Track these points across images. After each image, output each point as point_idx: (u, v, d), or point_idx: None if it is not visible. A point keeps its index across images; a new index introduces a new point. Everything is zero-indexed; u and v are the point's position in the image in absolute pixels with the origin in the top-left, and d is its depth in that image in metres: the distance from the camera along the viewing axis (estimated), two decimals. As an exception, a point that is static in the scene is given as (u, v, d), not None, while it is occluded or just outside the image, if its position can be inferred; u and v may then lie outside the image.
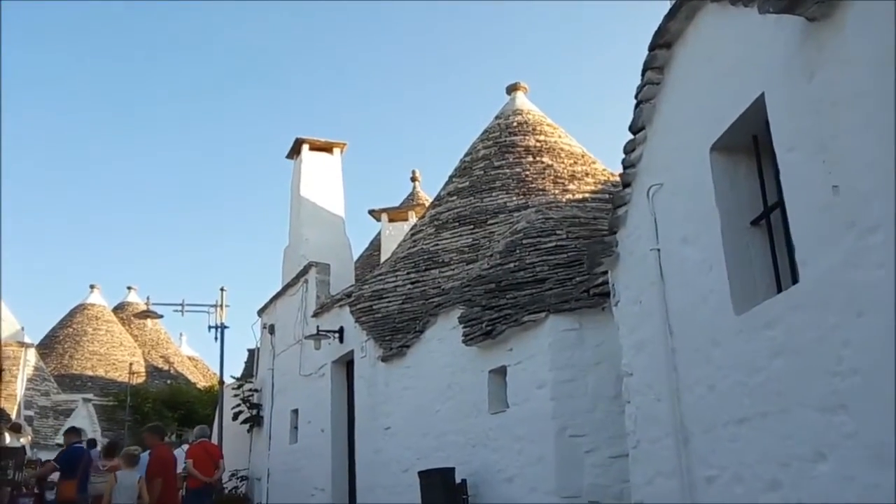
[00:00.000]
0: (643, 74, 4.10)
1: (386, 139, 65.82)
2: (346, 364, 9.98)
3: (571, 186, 10.09)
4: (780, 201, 3.12)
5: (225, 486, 12.68)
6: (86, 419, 22.14)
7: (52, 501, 11.01)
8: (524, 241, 7.93)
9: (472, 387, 6.87)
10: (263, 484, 11.67)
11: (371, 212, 17.43)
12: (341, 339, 9.83)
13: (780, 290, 3.23)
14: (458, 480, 6.48)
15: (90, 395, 23.63)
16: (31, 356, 22.21)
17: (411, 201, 18.23)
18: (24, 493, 10.31)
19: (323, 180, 13.14)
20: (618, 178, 10.58)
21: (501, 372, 6.50)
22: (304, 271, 11.41)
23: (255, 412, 12.65)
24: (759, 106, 3.14)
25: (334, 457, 9.67)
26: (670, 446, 3.91)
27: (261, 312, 13.28)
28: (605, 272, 5.63)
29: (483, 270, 7.93)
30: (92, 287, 28.83)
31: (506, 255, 7.89)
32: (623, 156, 4.37)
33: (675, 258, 3.94)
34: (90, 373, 25.67)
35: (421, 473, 6.62)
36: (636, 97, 4.20)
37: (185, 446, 11.94)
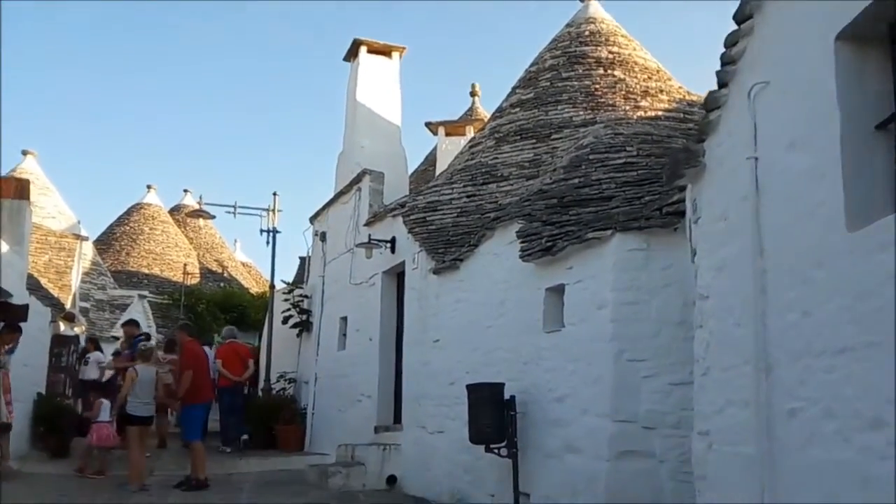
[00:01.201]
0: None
1: (446, 50, 64.19)
2: (397, 275, 9.82)
3: (644, 103, 9.52)
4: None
5: (273, 387, 12.91)
6: (140, 315, 22.71)
7: None
8: (591, 157, 7.51)
9: (526, 304, 6.61)
10: (310, 387, 11.81)
11: (428, 124, 17.00)
12: (393, 250, 9.64)
13: (902, 206, 2.83)
14: (506, 396, 6.31)
15: (145, 293, 24.25)
16: (88, 250, 22.73)
17: (469, 116, 17.73)
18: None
19: (380, 86, 12.74)
20: (695, 98, 10.02)
21: (559, 290, 6.22)
22: (358, 179, 11.17)
23: (304, 317, 12.71)
24: (898, -9, 2.67)
25: (381, 366, 9.64)
26: (748, 374, 3.60)
27: (313, 219, 13.18)
28: (682, 189, 5.23)
29: (545, 185, 7.56)
30: (149, 187, 29.17)
31: (570, 171, 7.49)
32: (722, 50, 3.90)
33: (776, 168, 3.52)
34: (146, 271, 26.24)
35: (469, 387, 6.46)
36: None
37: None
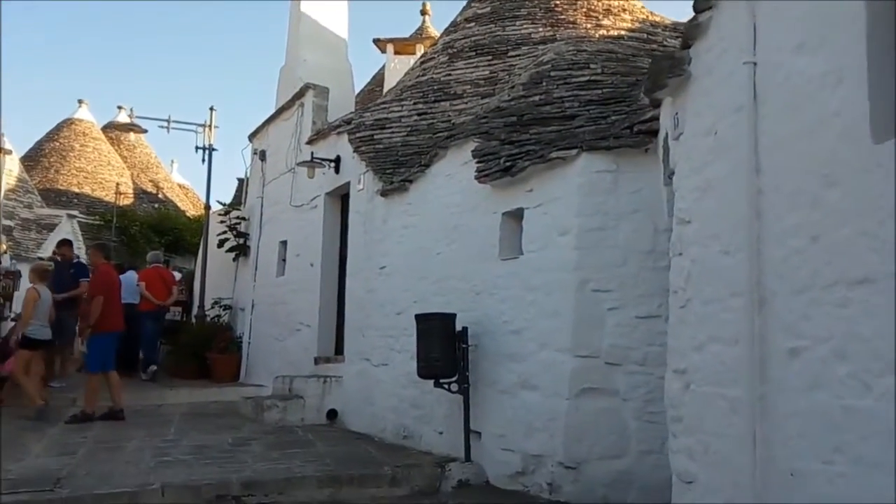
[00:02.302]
0: None
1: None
2: (341, 197, 9.20)
3: (606, 22, 8.94)
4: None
5: (207, 313, 12.29)
6: (70, 235, 21.53)
7: None
8: (552, 74, 6.95)
9: (481, 229, 6.12)
10: (247, 315, 11.22)
11: (376, 41, 16.08)
12: (337, 170, 8.99)
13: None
14: (458, 328, 5.88)
15: (75, 212, 23.00)
16: (14, 166, 21.35)
17: (420, 36, 16.85)
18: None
19: (326, -3, 11.79)
20: (657, 19, 9.47)
21: (517, 215, 5.74)
22: (301, 94, 10.37)
23: (241, 241, 12.01)
24: None
25: (323, 293, 9.10)
26: (738, 308, 3.19)
27: (252, 137, 12.33)
28: (656, 106, 4.74)
29: (503, 102, 6.99)
30: (80, 102, 27.41)
31: (530, 88, 6.93)
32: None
33: (779, 74, 3.04)
34: (76, 189, 24.86)
35: (418, 317, 6.00)
36: None
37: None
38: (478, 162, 6.12)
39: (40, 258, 16.59)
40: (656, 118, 4.78)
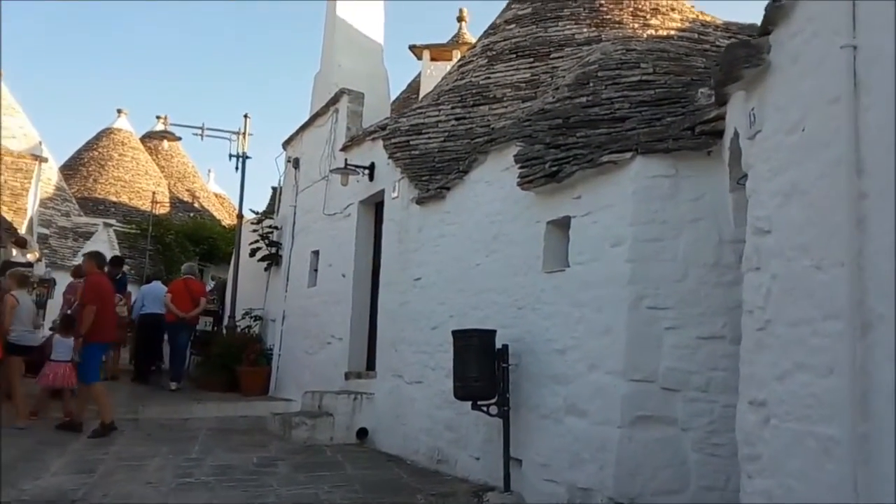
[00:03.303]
0: None
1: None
2: (375, 205, 8.84)
3: (654, 21, 8.47)
4: None
5: (238, 324, 12.02)
6: (105, 244, 21.59)
7: None
8: (599, 74, 6.51)
9: (524, 239, 5.69)
10: (277, 326, 10.91)
11: (412, 48, 15.79)
12: (371, 177, 8.63)
13: None
14: (498, 346, 5.44)
15: (112, 221, 23.07)
16: (53, 175, 21.51)
17: (457, 42, 16.52)
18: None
19: (362, 1, 11.50)
20: (708, 19, 8.96)
21: (564, 224, 5.29)
22: (335, 99, 10.06)
23: (273, 250, 11.73)
24: None
25: (354, 305, 8.73)
26: (834, 333, 2.72)
27: (286, 145, 12.06)
28: (722, 103, 4.28)
29: (547, 104, 6.56)
30: (119, 112, 27.68)
31: (576, 89, 6.49)
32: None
33: (884, 58, 2.57)
34: (113, 198, 25.00)
35: (456, 333, 5.58)
36: None
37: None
38: (520, 167, 5.69)
39: (77, 266, 16.59)
40: (721, 117, 4.32)
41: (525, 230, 5.68)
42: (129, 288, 13.46)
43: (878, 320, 2.55)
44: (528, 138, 5.93)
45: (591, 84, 6.35)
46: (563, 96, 6.44)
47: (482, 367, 5.35)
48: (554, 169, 5.24)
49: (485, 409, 5.41)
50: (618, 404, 4.48)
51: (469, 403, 5.50)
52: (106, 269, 9.81)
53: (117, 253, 21.72)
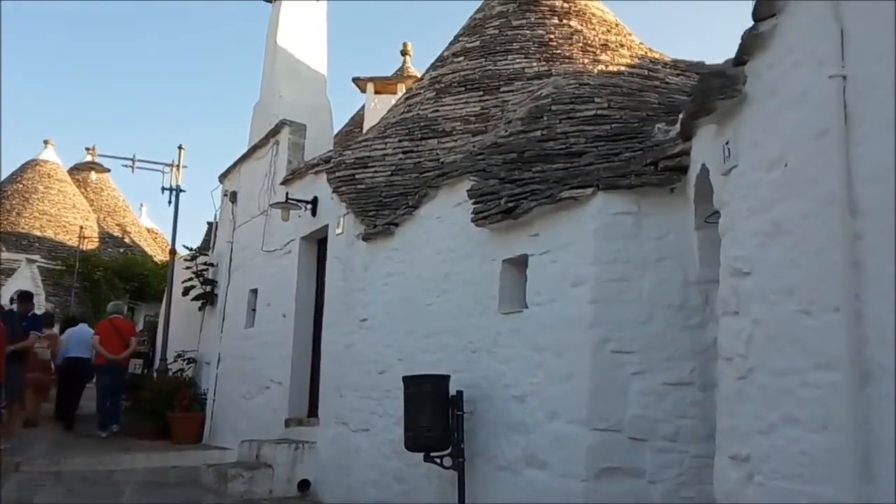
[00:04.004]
0: None
1: (374, 4, 61.68)
2: (318, 241, 8.45)
3: (604, 57, 8.43)
4: None
5: (169, 367, 11.36)
6: (29, 280, 20.58)
7: None
8: (553, 108, 6.35)
9: (478, 279, 5.41)
10: (212, 369, 10.31)
11: (356, 80, 15.57)
12: (314, 212, 8.26)
13: None
14: (452, 392, 5.11)
15: (36, 257, 21.97)
16: (-25, 209, 20.45)
17: (401, 75, 16.38)
18: None
19: (304, 30, 11.24)
20: (657, 56, 8.99)
21: (520, 262, 5.04)
22: (276, 131, 9.69)
23: (208, 289, 11.16)
24: None
25: (296, 347, 8.28)
26: (824, 384, 2.51)
27: (222, 178, 11.58)
28: (687, 138, 4.12)
29: (500, 138, 6.35)
30: (46, 143, 26.58)
31: (530, 123, 6.31)
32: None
33: (879, 88, 2.40)
34: (38, 233, 23.83)
35: (407, 379, 5.23)
36: None
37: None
38: (474, 203, 5.43)
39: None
40: (686, 152, 4.15)
41: (479, 269, 5.41)
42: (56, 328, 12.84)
43: (880, 371, 2.34)
44: (481, 172, 5.70)
45: (545, 118, 6.18)
46: (517, 130, 6.25)
47: (435, 416, 5.02)
48: (510, 205, 5.00)
49: (438, 460, 5.06)
50: (582, 455, 4.20)
51: (421, 454, 5.14)
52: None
53: (40, 290, 20.78)
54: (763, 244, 2.97)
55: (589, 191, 4.48)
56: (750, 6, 3.03)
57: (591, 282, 4.37)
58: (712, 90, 3.17)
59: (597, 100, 6.28)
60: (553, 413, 4.47)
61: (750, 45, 3.06)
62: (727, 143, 3.29)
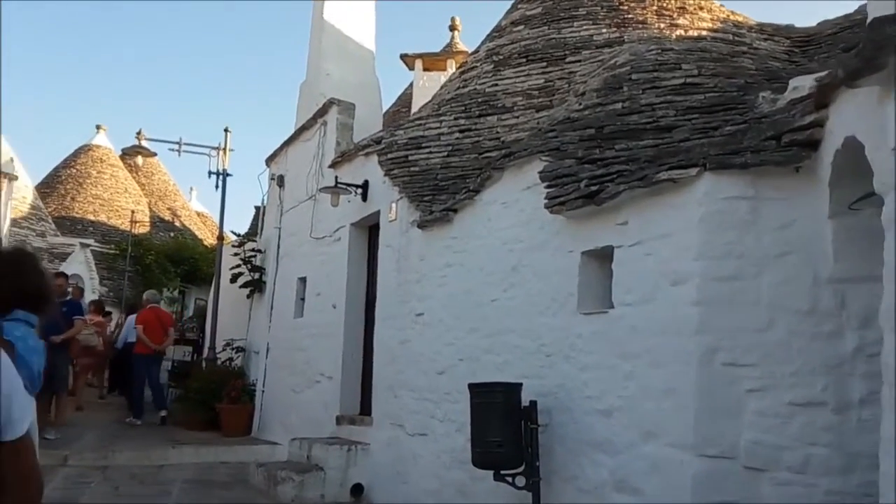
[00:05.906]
0: None
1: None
2: (369, 228, 7.89)
3: (682, 21, 7.62)
4: None
5: (218, 356, 11.01)
6: (82, 265, 20.59)
7: None
8: (633, 77, 5.62)
9: (552, 272, 4.75)
10: (261, 359, 9.89)
11: (403, 57, 14.91)
12: (364, 197, 7.68)
13: None
14: (524, 401, 4.49)
15: (89, 241, 21.98)
16: (29, 193, 20.54)
17: (450, 51, 15.66)
18: None
19: (351, 4, 10.61)
20: (740, 19, 8.11)
21: (604, 255, 4.36)
22: (323, 111, 9.12)
23: (256, 276, 10.73)
24: None
25: (347, 340, 7.75)
26: None
27: (269, 161, 11.09)
28: (821, 107, 3.38)
29: (573, 112, 5.65)
30: (98, 128, 26.63)
31: (607, 94, 5.60)
32: None
33: None
34: (91, 217, 23.93)
35: (473, 387, 4.62)
36: None
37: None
38: (548, 186, 4.76)
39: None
40: (819, 123, 3.41)
41: (553, 261, 4.75)
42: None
43: None
44: (555, 151, 5.02)
45: (626, 88, 5.46)
46: (592, 103, 5.54)
47: (506, 429, 4.40)
48: (593, 188, 4.31)
49: (510, 479, 4.45)
50: (687, 486, 3.54)
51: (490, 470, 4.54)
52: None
53: (94, 275, 20.80)
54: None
55: (693, 171, 3.76)
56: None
57: (696, 280, 3.67)
58: (889, 40, 2.42)
59: (684, 66, 5.54)
60: (649, 433, 3.81)
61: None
62: (897, 109, 2.54)
